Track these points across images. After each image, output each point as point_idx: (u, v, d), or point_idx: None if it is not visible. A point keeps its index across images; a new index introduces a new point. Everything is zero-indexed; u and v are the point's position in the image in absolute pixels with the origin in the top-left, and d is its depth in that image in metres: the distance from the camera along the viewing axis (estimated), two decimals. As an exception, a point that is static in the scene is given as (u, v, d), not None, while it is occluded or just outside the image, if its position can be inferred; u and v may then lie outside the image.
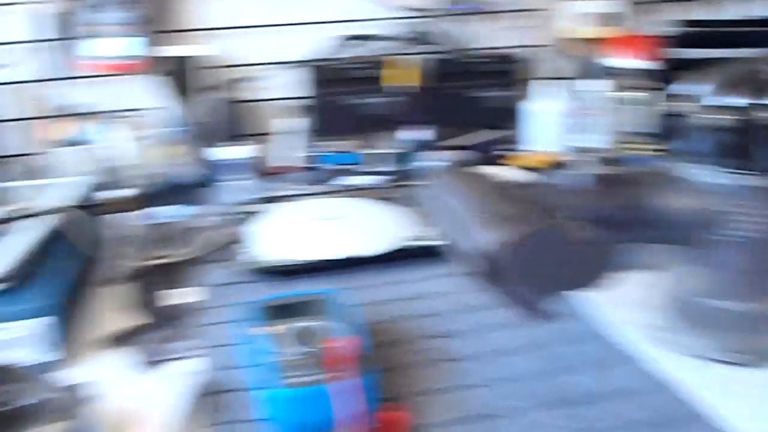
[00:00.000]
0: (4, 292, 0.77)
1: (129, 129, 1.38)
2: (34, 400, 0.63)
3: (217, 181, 1.41)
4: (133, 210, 1.20)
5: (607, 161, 1.42)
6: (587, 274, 0.60)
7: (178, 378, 0.75)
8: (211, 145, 1.43)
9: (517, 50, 1.62)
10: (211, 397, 0.71)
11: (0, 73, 1.40)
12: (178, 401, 0.71)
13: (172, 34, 1.48)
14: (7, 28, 1.40)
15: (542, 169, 1.40)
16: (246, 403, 0.69)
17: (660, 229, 0.70)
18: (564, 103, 1.51)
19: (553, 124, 1.51)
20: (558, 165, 1.43)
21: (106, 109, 1.44)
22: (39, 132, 1.44)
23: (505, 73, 1.60)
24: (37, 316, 0.76)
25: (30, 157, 1.44)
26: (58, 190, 1.04)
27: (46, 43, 1.40)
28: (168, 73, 1.42)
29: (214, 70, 1.48)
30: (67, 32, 1.40)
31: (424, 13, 1.57)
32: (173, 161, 1.42)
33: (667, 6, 1.70)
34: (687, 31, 1.62)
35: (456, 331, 0.82)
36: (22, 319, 0.75)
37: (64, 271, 0.85)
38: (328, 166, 1.46)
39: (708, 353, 0.74)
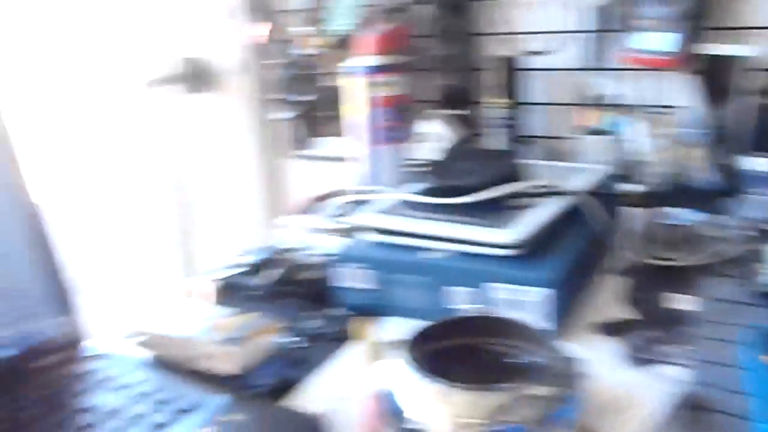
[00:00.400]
0: (519, 257, 0.84)
1: (653, 125, 1.37)
2: (536, 360, 0.67)
3: (743, 192, 1.31)
4: (644, 206, 1.19)
5: None
6: None
7: (661, 381, 0.72)
8: (738, 152, 1.33)
9: None
10: (692, 412, 0.67)
11: (540, 59, 1.52)
12: (659, 404, 0.69)
13: (716, 31, 1.41)
14: (551, 17, 1.50)
15: None
16: (736, 430, 0.63)
17: None
18: None
19: None
20: None
21: (634, 103, 1.45)
22: (569, 118, 1.53)
23: None
24: (541, 286, 0.81)
25: (556, 140, 1.54)
26: (579, 174, 1.08)
27: (586, 34, 1.46)
28: (701, 72, 1.36)
29: (756, 72, 1.37)
30: (608, 24, 1.45)
31: None
32: (691, 163, 1.36)
33: None
34: None
35: None
36: (528, 285, 0.81)
37: (572, 251, 0.89)
38: None
39: None
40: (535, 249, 0.85)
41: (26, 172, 0.79)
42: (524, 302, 0.82)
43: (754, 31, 1.40)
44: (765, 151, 1.29)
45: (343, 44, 1.59)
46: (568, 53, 1.51)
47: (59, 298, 0.81)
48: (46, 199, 0.80)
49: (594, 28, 1.46)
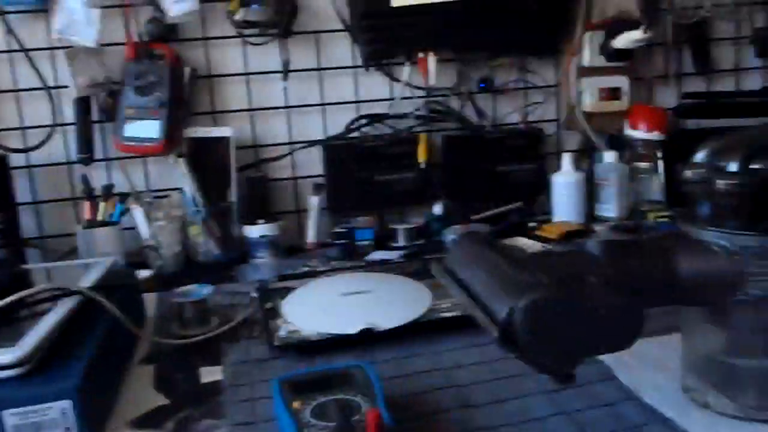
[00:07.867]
0: (28, 375, 0.76)
1: (154, 210, 1.40)
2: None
3: (245, 259, 1.41)
4: (159, 289, 1.20)
5: (624, 228, 1.42)
6: (610, 339, 0.59)
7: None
8: (239, 223, 1.44)
9: (534, 125, 1.66)
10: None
11: (24, 156, 1.44)
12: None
13: (197, 116, 1.51)
14: (34, 110, 1.44)
15: (562, 238, 1.39)
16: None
17: (679, 291, 0.68)
18: (580, 174, 1.54)
19: (572, 195, 1.53)
20: (577, 234, 1.42)
21: (133, 190, 1.46)
22: (69, 213, 1.47)
23: (527, 148, 1.62)
24: (59, 399, 0.74)
25: (58, 238, 1.46)
26: (89, 269, 1.04)
27: (72, 125, 1.44)
28: (188, 154, 1.45)
29: (240, 150, 1.50)
30: (90, 115, 1.44)
31: (439, 92, 1.60)
32: (199, 240, 1.43)
33: (670, 80, 1.74)
34: (690, 103, 1.68)
35: (482, 401, 0.79)
36: (44, 402, 0.74)
37: (90, 352, 0.84)
38: (353, 242, 1.46)
39: (736, 412, 0.72)
40: (45, 361, 0.79)
41: None
42: (43, 422, 0.74)
43: (229, 114, 1.54)
44: (260, 218, 1.43)
45: None
46: (55, 146, 1.46)
47: None
48: None
49: (76, 120, 1.44)
